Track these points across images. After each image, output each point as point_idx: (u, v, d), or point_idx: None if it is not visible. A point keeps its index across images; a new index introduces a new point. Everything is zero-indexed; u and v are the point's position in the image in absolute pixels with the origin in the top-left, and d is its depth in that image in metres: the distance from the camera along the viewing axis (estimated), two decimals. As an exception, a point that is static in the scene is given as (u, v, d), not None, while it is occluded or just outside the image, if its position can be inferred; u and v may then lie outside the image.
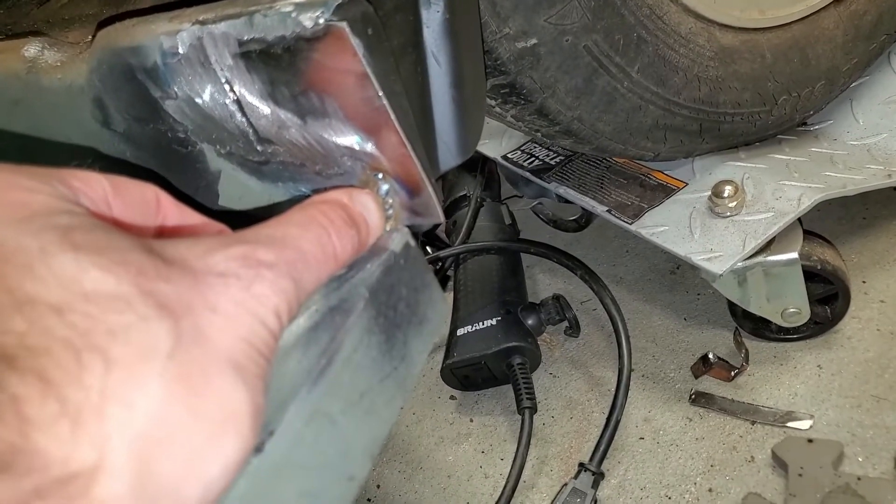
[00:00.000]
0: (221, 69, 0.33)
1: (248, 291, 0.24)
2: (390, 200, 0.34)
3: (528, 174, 0.92)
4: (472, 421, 0.94)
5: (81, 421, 0.19)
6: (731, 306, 0.84)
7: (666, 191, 0.80)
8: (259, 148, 0.35)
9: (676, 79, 0.68)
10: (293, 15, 0.30)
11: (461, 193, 1.09)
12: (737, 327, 0.86)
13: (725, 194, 0.73)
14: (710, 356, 0.84)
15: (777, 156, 0.80)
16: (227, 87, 0.34)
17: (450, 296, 1.01)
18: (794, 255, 0.73)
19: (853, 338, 0.83)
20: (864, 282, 0.88)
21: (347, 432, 0.29)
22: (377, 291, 0.30)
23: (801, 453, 0.73)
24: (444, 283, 1.11)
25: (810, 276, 0.75)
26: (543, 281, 1.08)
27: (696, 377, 0.86)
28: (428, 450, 0.92)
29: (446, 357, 0.91)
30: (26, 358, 0.19)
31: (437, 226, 1.07)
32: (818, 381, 0.81)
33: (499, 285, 0.95)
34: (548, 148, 0.93)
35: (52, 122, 0.42)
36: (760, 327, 0.85)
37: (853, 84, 0.83)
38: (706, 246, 0.73)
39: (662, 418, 0.84)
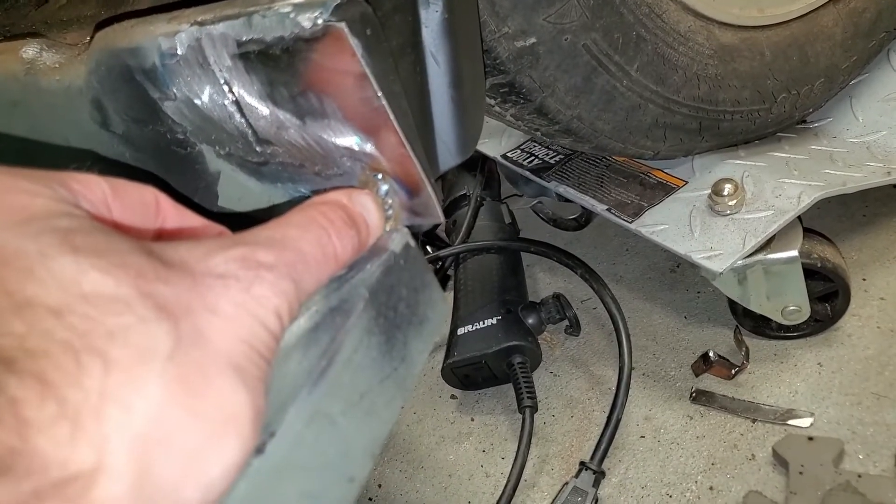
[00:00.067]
0: (220, 70, 0.33)
1: (248, 293, 0.24)
2: (390, 201, 0.34)
3: (527, 173, 0.92)
4: (472, 420, 0.94)
5: (80, 423, 0.19)
6: (732, 304, 0.84)
7: (666, 189, 0.80)
8: (258, 149, 0.35)
9: (676, 77, 0.68)
10: (292, 16, 0.30)
11: (461, 193, 1.09)
12: (737, 325, 0.86)
13: (725, 192, 0.73)
14: (711, 354, 0.84)
15: (777, 154, 0.80)
16: (225, 87, 0.34)
17: (450, 295, 1.01)
18: (794, 252, 0.73)
19: (853, 335, 0.83)
20: (864, 279, 0.88)
21: (348, 433, 0.29)
22: (377, 292, 0.30)
23: (802, 451, 0.73)
24: (444, 282, 1.11)
25: (810, 273, 0.75)
26: (544, 280, 1.08)
27: (697, 375, 0.86)
28: (429, 449, 0.92)
29: (447, 356, 0.91)
30: (25, 360, 0.19)
31: (436, 225, 1.07)
32: (818, 379, 0.81)
33: (499, 284, 0.95)
34: (547, 147, 0.93)
35: (50, 124, 0.42)
36: (761, 325, 0.85)
37: (852, 81, 0.83)
38: (706, 244, 0.73)
39: (663, 417, 0.84)
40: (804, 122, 0.85)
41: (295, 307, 0.26)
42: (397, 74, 0.33)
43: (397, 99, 0.32)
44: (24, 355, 0.19)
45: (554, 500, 0.78)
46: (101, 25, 0.38)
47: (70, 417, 0.19)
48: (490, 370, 0.90)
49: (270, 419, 0.25)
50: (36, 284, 0.20)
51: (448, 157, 0.43)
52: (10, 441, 0.18)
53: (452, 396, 0.98)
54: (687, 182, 0.80)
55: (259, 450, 0.25)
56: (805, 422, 0.77)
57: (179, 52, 0.33)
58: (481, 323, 0.90)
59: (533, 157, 0.93)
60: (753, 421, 0.80)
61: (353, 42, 0.30)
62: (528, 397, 0.85)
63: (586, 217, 1.05)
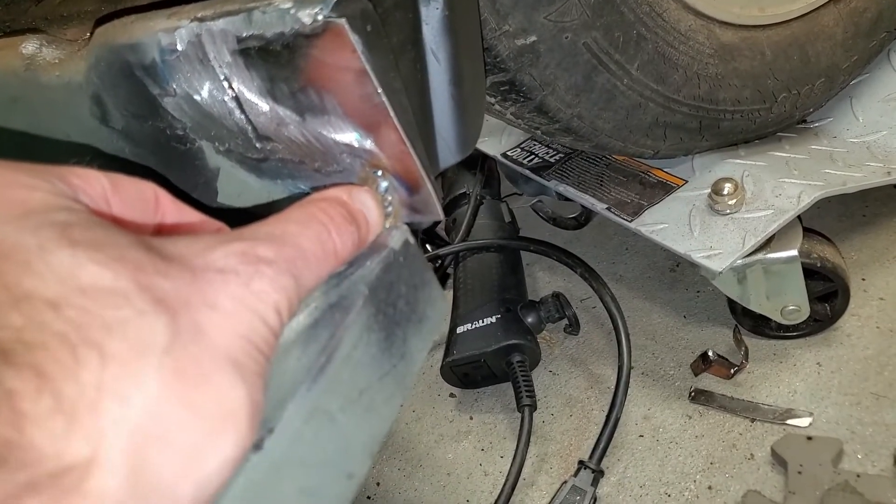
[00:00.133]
0: (220, 66, 0.33)
1: (248, 288, 0.24)
2: (389, 198, 0.34)
3: (527, 172, 0.92)
4: (471, 419, 0.94)
5: (76, 415, 0.19)
6: (731, 304, 0.84)
7: (665, 188, 0.80)
8: (258, 145, 0.35)
9: (676, 76, 0.68)
10: (292, 11, 0.30)
11: (461, 191, 1.09)
12: (736, 325, 0.86)
13: (725, 192, 0.73)
14: (710, 354, 0.84)
15: (777, 153, 0.80)
16: (225, 84, 0.33)
17: (449, 293, 1.01)
18: (794, 252, 0.73)
19: (853, 335, 0.83)
20: (863, 279, 0.88)
21: (347, 430, 0.29)
22: (376, 289, 0.30)
23: (801, 451, 0.73)
24: (443, 280, 1.11)
25: (810, 273, 0.75)
26: (543, 279, 1.08)
27: (696, 375, 0.86)
28: (428, 447, 0.92)
29: (446, 355, 0.91)
30: (22, 353, 0.19)
31: (436, 223, 1.07)
32: (818, 379, 0.81)
33: (498, 283, 0.95)
34: (547, 145, 0.93)
35: (50, 120, 0.42)
36: (760, 325, 0.85)
37: (853, 81, 0.83)
38: (706, 243, 0.73)
39: (662, 416, 0.84)
40: (804, 121, 0.85)
41: (294, 303, 0.26)
42: (397, 71, 0.33)
43: (397, 95, 0.32)
44: (21, 348, 0.19)
45: (552, 499, 0.78)
46: (100, 21, 0.38)
47: (65, 410, 0.19)
48: (489, 369, 0.91)
49: (269, 415, 0.25)
50: (34, 278, 0.20)
51: (448, 154, 0.43)
52: (5, 433, 0.18)
53: (451, 395, 0.98)
54: (687, 181, 0.80)
55: (257, 446, 0.24)
56: (804, 421, 0.77)
57: (179, 48, 0.33)
58: (480, 321, 0.90)
59: (533, 156, 0.93)
60: (752, 420, 0.80)
61: (354, 38, 0.30)
62: (527, 396, 0.85)
63: (586, 216, 1.05)
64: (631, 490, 0.79)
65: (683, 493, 0.77)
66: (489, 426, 0.92)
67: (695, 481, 0.77)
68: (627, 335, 0.83)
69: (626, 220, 0.79)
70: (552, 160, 0.91)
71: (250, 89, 0.33)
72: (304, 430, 0.27)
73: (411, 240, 0.33)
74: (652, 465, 0.80)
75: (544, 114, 0.65)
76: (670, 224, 0.76)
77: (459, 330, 0.91)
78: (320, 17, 0.29)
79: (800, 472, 0.71)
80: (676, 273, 1.01)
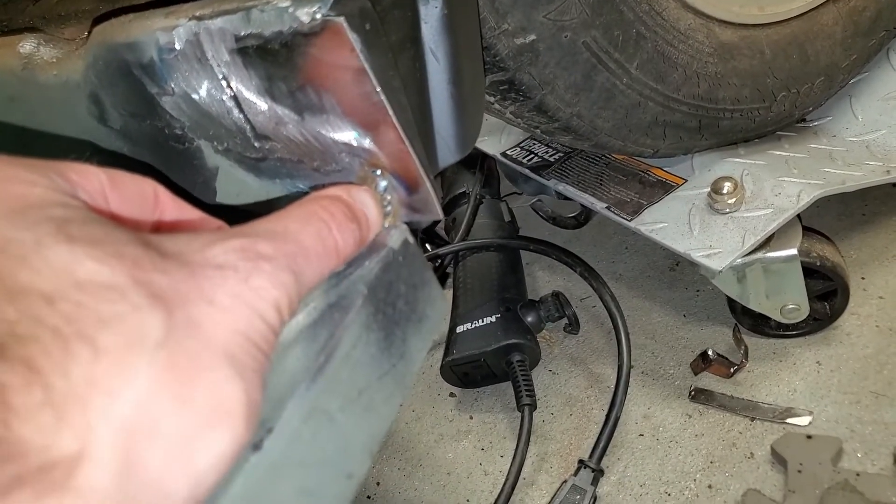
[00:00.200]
0: (218, 65, 0.33)
1: (246, 284, 0.23)
2: (388, 197, 0.34)
3: (527, 171, 0.92)
4: (471, 418, 0.94)
5: (65, 410, 0.19)
6: (731, 303, 0.84)
7: (665, 187, 0.80)
8: (256, 144, 0.35)
9: (675, 75, 0.68)
10: (290, 10, 0.30)
11: (460, 190, 1.09)
12: (736, 324, 0.86)
13: (725, 191, 0.73)
14: (710, 353, 0.84)
15: (776, 152, 0.80)
16: (224, 83, 0.33)
17: (449, 293, 1.01)
18: (794, 251, 0.73)
19: (852, 334, 0.83)
20: (863, 278, 0.88)
21: (346, 429, 0.28)
22: (376, 288, 0.30)
23: (801, 450, 0.73)
24: (443, 280, 1.11)
25: (809, 272, 0.75)
26: (543, 278, 1.08)
27: (696, 374, 0.86)
28: (428, 447, 0.92)
29: (446, 354, 0.91)
30: (14, 346, 0.19)
31: (436, 223, 1.07)
32: (817, 378, 0.81)
33: (498, 282, 0.95)
34: (547, 144, 0.93)
35: (48, 119, 0.42)
36: (760, 324, 0.85)
37: (852, 80, 0.83)
38: (705, 242, 0.73)
39: (662, 415, 0.84)
40: (804, 120, 0.85)
41: (295, 301, 0.25)
42: (396, 70, 0.33)
43: (396, 94, 0.32)
44: (13, 341, 0.19)
45: (553, 499, 0.78)
46: (98, 20, 0.38)
47: (55, 404, 0.19)
48: (489, 368, 0.90)
49: (268, 415, 0.25)
50: (30, 272, 0.20)
51: (447, 154, 0.43)
52: None
53: (451, 394, 0.97)
54: (686, 180, 0.80)
55: (256, 446, 0.24)
56: (804, 420, 0.77)
57: (177, 46, 0.33)
58: (480, 321, 0.90)
59: (532, 155, 0.93)
60: (752, 419, 0.80)
61: (352, 37, 0.29)
62: (526, 395, 0.85)
63: (585, 215, 1.05)
64: (631, 489, 0.79)
65: (683, 491, 0.77)
66: (489, 425, 0.92)
67: (695, 480, 0.77)
68: (627, 334, 0.83)
69: (626, 220, 0.79)
70: (552, 159, 0.91)
71: (249, 88, 0.33)
72: (303, 429, 0.26)
73: (410, 239, 0.33)
74: (652, 464, 0.80)
75: (544, 113, 0.65)
76: (670, 223, 0.76)
77: (459, 329, 0.91)
78: (319, 16, 0.29)
79: (799, 471, 0.71)
80: (676, 272, 1.01)
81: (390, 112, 0.31)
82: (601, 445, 0.79)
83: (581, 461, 0.79)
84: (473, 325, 0.90)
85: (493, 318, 0.90)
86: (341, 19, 0.29)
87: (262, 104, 0.33)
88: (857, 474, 0.70)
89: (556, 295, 0.93)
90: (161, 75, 0.34)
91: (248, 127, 0.34)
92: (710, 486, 0.76)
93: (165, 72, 0.34)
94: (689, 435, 0.81)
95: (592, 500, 0.77)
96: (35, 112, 0.42)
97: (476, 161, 1.10)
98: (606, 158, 0.87)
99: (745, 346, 0.83)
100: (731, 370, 0.83)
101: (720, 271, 0.70)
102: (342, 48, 0.30)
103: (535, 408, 0.86)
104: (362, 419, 0.29)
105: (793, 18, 0.74)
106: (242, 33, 0.31)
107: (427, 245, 1.12)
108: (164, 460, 0.20)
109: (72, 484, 0.19)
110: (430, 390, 0.99)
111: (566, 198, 0.90)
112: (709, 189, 0.75)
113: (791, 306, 0.77)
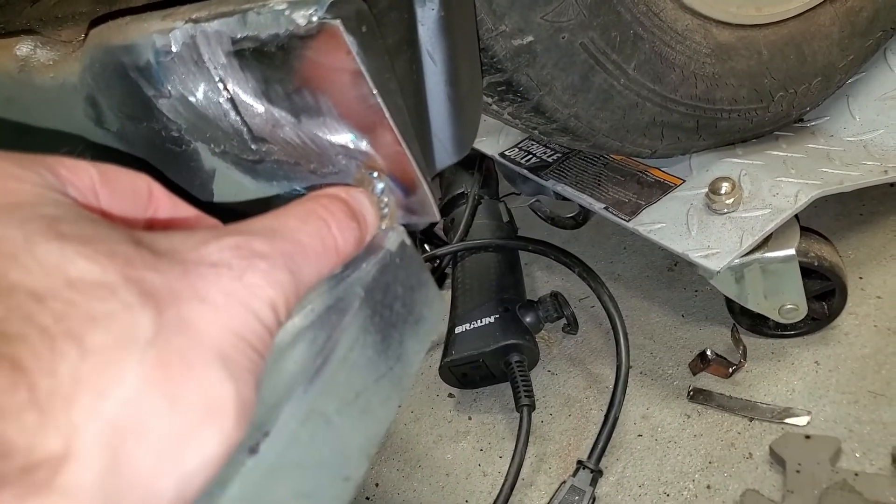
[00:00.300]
0: (215, 67, 0.33)
1: (241, 282, 0.23)
2: (386, 199, 0.34)
3: (525, 171, 0.92)
4: (470, 419, 0.94)
5: (50, 409, 0.19)
6: (729, 303, 0.84)
7: (663, 188, 0.80)
8: (253, 146, 0.35)
9: (673, 76, 0.68)
10: (287, 13, 0.30)
11: (459, 191, 1.09)
12: (734, 324, 0.86)
13: (722, 191, 0.73)
14: (708, 353, 0.84)
15: (774, 152, 0.80)
16: (220, 85, 0.33)
17: (448, 294, 1.01)
18: (792, 251, 0.73)
19: (850, 334, 0.83)
20: (860, 278, 0.88)
21: (343, 432, 0.28)
22: (373, 290, 0.30)
23: (799, 449, 0.73)
24: (442, 280, 1.11)
25: (807, 272, 0.75)
26: (541, 278, 1.08)
27: (694, 374, 0.86)
28: (426, 448, 0.92)
29: (444, 355, 0.91)
30: (1, 345, 0.19)
31: (434, 224, 1.07)
32: (815, 378, 0.81)
33: (497, 283, 0.95)
34: (545, 145, 0.93)
35: (44, 121, 0.42)
36: (758, 324, 0.85)
37: (849, 80, 0.83)
38: (703, 243, 0.73)
39: (660, 415, 0.84)
40: (801, 120, 0.85)
41: (293, 300, 0.25)
42: (393, 72, 0.33)
43: (393, 96, 0.32)
44: (0, 340, 0.19)
45: (551, 499, 0.78)
46: (95, 22, 0.38)
47: (40, 403, 0.18)
48: (488, 369, 0.90)
49: (265, 418, 0.25)
50: (20, 270, 0.20)
51: (445, 155, 0.43)
52: None
53: (450, 395, 0.97)
54: (684, 180, 0.80)
55: (253, 449, 0.24)
56: (802, 420, 0.77)
57: (174, 49, 0.33)
58: (479, 321, 0.90)
59: (531, 156, 0.93)
60: (751, 419, 0.80)
61: (349, 39, 0.29)
62: (525, 396, 0.85)
63: (584, 215, 1.05)
64: (630, 490, 0.79)
65: (682, 492, 0.77)
66: (488, 426, 0.92)
67: (693, 480, 0.77)
68: (626, 334, 0.83)
69: (624, 220, 0.79)
70: (550, 160, 0.91)
71: (245, 91, 0.33)
72: (300, 432, 0.26)
73: (408, 241, 0.33)
74: (650, 465, 0.80)
75: (541, 114, 0.65)
76: (668, 223, 0.76)
77: (458, 330, 0.91)
78: (315, 19, 0.29)
79: (798, 471, 0.71)
80: (674, 272, 1.01)
81: (387, 114, 0.31)
82: (600, 446, 0.79)
83: (580, 462, 0.79)
84: (472, 326, 0.90)
85: (492, 319, 0.90)
86: (337, 22, 0.29)
87: (259, 107, 0.33)
88: (856, 474, 0.70)
89: (555, 295, 0.93)
90: (158, 78, 0.34)
91: (244, 129, 0.34)
92: (708, 487, 0.76)
93: (162, 74, 0.34)
94: (687, 435, 0.81)
95: (591, 500, 0.77)
96: (31, 114, 0.42)
97: (474, 162, 1.10)
98: (604, 159, 0.87)
99: (744, 346, 0.83)
100: (730, 370, 0.83)
101: (718, 271, 0.71)
102: (338, 51, 0.30)
103: (534, 408, 0.86)
104: (359, 422, 0.29)
105: (790, 19, 0.74)
106: (239, 36, 0.31)
107: (426, 245, 1.12)
108: (152, 460, 0.20)
109: (56, 483, 0.18)
110: (429, 391, 0.99)
111: (564, 198, 0.90)
112: (707, 189, 0.75)
113: (789, 306, 0.77)
